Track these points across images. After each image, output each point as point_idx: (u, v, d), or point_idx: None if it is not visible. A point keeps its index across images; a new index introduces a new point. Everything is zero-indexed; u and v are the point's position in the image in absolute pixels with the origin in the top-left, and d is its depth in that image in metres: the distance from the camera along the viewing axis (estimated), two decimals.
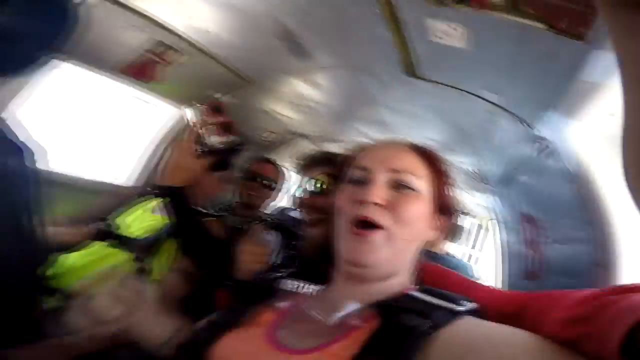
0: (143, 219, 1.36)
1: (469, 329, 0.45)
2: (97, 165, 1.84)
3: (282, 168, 1.86)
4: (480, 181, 1.92)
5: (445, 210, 0.63)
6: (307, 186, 0.97)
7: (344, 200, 0.59)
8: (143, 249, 1.22)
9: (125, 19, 1.21)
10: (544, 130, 0.99)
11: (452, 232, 0.66)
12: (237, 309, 0.64)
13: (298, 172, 1.11)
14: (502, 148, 1.34)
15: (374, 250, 0.54)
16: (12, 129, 0.78)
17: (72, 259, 1.21)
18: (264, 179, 1.69)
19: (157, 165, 1.87)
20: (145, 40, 1.32)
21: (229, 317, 0.61)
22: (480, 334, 0.43)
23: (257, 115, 2.20)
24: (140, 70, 1.49)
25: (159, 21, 1.25)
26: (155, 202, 1.39)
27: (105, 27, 1.21)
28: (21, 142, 0.78)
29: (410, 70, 1.24)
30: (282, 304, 0.62)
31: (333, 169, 0.72)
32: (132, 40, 1.31)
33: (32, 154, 0.78)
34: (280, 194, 1.83)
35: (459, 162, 2.00)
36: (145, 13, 1.21)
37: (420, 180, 0.59)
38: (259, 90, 1.89)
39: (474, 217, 2.53)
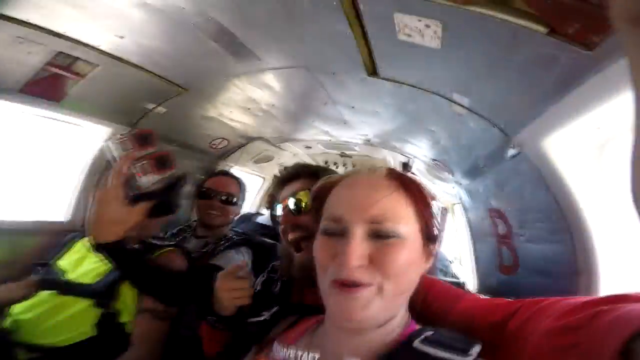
0: (89, 260, 1.16)
1: None
2: (25, 204, 1.54)
3: (240, 178, 1.68)
4: (443, 171, 1.88)
5: (434, 237, 0.56)
6: (289, 204, 0.88)
7: (322, 255, 0.53)
8: (101, 294, 1.07)
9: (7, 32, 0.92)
10: (521, 135, 0.91)
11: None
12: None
13: (275, 187, 0.97)
14: (469, 147, 1.27)
15: (364, 306, 0.49)
16: None
17: (21, 311, 1.07)
18: (223, 195, 1.52)
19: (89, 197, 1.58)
20: (41, 52, 1.02)
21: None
22: None
23: (202, 124, 1.97)
24: (45, 88, 1.18)
25: (52, 30, 0.96)
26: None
27: None
28: None
29: (372, 70, 1.10)
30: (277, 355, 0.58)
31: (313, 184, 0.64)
32: (22, 55, 1.01)
33: None
34: (242, 206, 1.66)
35: (422, 154, 1.95)
36: (29, 22, 0.92)
37: (404, 224, 0.51)
38: (200, 97, 1.67)
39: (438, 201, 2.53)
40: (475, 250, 1.89)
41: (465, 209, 2.02)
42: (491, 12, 0.56)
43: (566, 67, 0.57)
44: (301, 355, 0.56)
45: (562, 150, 0.81)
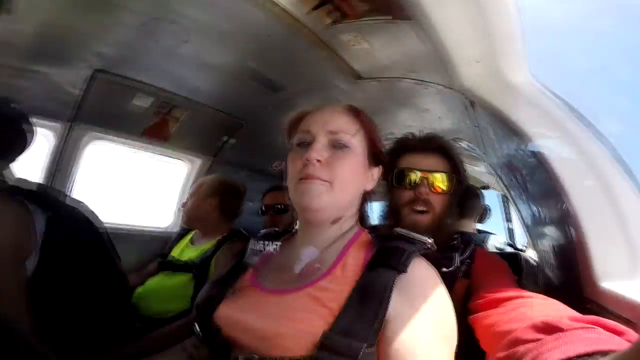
0: (188, 250, 1.68)
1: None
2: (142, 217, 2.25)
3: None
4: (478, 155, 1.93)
5: (378, 161, 0.77)
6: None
7: (294, 161, 0.69)
8: (197, 267, 1.50)
9: (129, 89, 1.62)
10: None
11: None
12: (224, 281, 0.75)
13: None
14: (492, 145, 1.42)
15: (317, 196, 0.65)
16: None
17: (140, 289, 1.55)
18: (276, 207, 1.95)
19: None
20: (152, 103, 1.72)
21: (220, 289, 0.73)
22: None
23: (265, 149, 2.50)
24: (157, 131, 1.89)
25: (159, 86, 1.65)
26: (190, 236, 1.77)
27: (116, 98, 1.62)
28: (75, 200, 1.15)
29: (356, 74, 1.47)
30: (256, 260, 0.76)
31: None
32: (142, 105, 1.71)
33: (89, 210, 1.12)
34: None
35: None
36: (144, 81, 1.61)
37: (354, 140, 0.70)
38: (257, 127, 2.19)
39: (492, 188, 2.43)
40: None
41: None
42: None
43: None
44: (268, 244, 0.75)
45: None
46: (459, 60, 0.95)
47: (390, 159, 1.04)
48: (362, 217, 0.79)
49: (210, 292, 0.73)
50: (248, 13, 1.17)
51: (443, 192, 0.99)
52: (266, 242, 0.76)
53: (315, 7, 1.09)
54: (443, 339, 0.56)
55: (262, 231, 0.86)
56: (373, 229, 1.15)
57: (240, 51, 1.46)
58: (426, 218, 0.97)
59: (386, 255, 0.62)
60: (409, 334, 0.53)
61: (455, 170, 1.02)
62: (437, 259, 0.94)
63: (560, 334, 0.47)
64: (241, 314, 0.63)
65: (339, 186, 0.67)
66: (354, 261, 0.65)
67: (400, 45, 1.17)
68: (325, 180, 0.66)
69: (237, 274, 0.75)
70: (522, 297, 0.67)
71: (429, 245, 0.67)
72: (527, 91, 0.92)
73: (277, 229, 0.86)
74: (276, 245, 0.75)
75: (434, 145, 1.02)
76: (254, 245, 0.77)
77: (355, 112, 0.74)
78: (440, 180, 0.99)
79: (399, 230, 0.70)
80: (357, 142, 0.70)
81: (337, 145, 0.68)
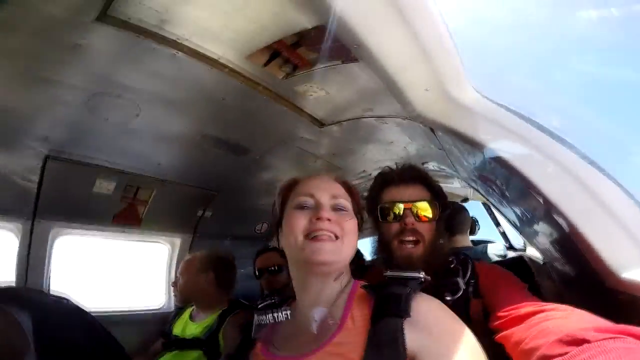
0: (190, 326, 1.63)
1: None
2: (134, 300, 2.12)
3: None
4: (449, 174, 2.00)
5: (361, 217, 0.85)
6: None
7: (297, 221, 0.73)
8: (207, 342, 1.48)
9: (87, 175, 1.56)
10: None
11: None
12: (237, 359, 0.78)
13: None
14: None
15: (330, 250, 0.71)
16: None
17: None
18: (270, 268, 1.93)
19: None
20: (115, 187, 1.65)
21: None
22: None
23: (244, 215, 2.45)
24: (127, 217, 1.80)
25: (118, 168, 1.61)
26: (188, 312, 1.72)
27: (76, 186, 1.55)
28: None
29: (319, 123, 1.52)
30: (264, 332, 0.77)
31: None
32: (104, 192, 1.64)
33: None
34: None
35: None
36: (101, 165, 1.56)
37: (348, 202, 0.80)
38: (232, 194, 2.16)
39: (472, 199, 2.49)
40: None
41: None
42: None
43: None
44: (277, 315, 0.75)
45: None
46: (409, 91, 1.00)
47: (373, 194, 1.09)
48: (356, 255, 0.81)
49: None
50: (197, 78, 1.19)
51: (429, 220, 1.01)
52: (274, 314, 0.76)
53: (266, 63, 1.14)
54: (472, 356, 0.58)
55: (260, 304, 0.85)
56: (370, 264, 1.13)
57: (196, 118, 1.47)
58: (418, 249, 0.98)
59: (386, 305, 0.65)
60: (441, 358, 0.57)
61: (437, 197, 1.05)
62: (444, 286, 0.93)
63: (587, 345, 0.47)
64: None
65: (346, 242, 0.73)
66: (360, 312, 0.68)
67: (354, 86, 1.24)
68: (336, 236, 0.72)
69: (247, 349, 0.77)
70: (542, 310, 0.67)
71: (422, 279, 0.71)
72: (477, 107, 0.99)
73: (274, 299, 0.86)
74: (286, 313, 0.76)
75: (412, 175, 1.07)
76: (259, 320, 0.77)
77: (344, 182, 0.84)
78: (424, 209, 1.01)
79: (389, 274, 0.75)
80: (350, 207, 0.79)
81: (338, 208, 0.77)
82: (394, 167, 1.12)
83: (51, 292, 1.60)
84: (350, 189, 0.84)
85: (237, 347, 0.80)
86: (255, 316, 0.79)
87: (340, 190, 0.81)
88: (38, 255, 1.56)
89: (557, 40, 37.60)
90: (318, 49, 1.05)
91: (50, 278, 1.61)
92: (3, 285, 1.00)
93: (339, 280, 0.75)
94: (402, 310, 0.61)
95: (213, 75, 1.17)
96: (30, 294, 1.02)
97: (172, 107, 1.35)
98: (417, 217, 1.00)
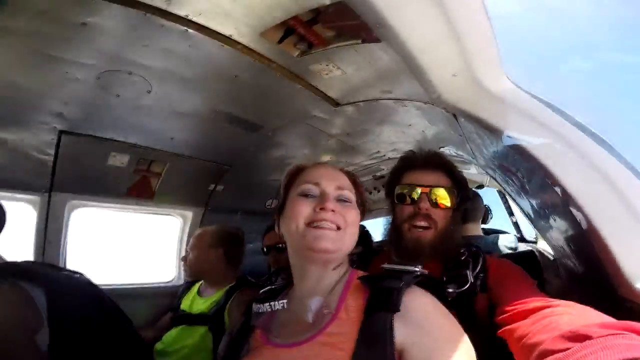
0: (197, 301, 1.68)
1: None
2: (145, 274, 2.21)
3: None
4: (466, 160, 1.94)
5: (363, 209, 0.84)
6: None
7: (300, 208, 0.74)
8: (213, 318, 1.52)
9: (101, 149, 1.57)
10: None
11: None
12: (237, 342, 0.79)
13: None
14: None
15: (331, 239, 0.71)
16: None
17: (160, 346, 1.56)
18: (277, 246, 1.92)
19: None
20: (129, 161, 1.66)
21: (234, 351, 0.76)
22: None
23: (255, 190, 2.46)
24: (140, 189, 1.82)
25: (131, 142, 1.61)
26: (197, 287, 1.77)
27: (90, 160, 1.57)
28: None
29: (333, 102, 1.46)
30: (263, 319, 0.78)
31: None
32: (118, 165, 1.66)
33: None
34: None
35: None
36: (115, 138, 1.56)
37: (352, 194, 0.79)
38: (244, 169, 2.17)
39: (488, 186, 2.43)
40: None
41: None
42: None
43: None
44: (274, 304, 0.76)
45: None
46: (435, 75, 0.94)
47: (394, 176, 1.09)
48: (365, 237, 0.82)
49: (226, 353, 0.79)
50: (209, 55, 1.14)
51: (445, 207, 0.99)
52: (271, 303, 0.77)
53: (280, 41, 1.08)
54: (460, 351, 0.58)
55: (262, 290, 0.88)
56: (379, 246, 1.11)
57: (208, 95, 1.42)
58: (429, 233, 0.98)
59: (379, 299, 0.65)
60: (427, 355, 0.57)
61: (458, 186, 1.03)
62: (450, 278, 0.93)
63: (590, 341, 0.47)
64: None
65: (348, 232, 0.74)
66: (355, 302, 0.69)
67: (373, 66, 1.16)
68: (338, 227, 0.72)
69: (247, 333, 0.78)
70: (549, 306, 0.66)
71: (418, 273, 0.70)
72: (508, 97, 0.92)
73: (275, 284, 0.89)
74: (283, 303, 0.76)
75: (435, 162, 1.05)
76: (257, 308, 0.79)
77: (349, 174, 0.84)
78: (441, 196, 1.00)
79: (386, 266, 0.75)
80: (354, 199, 0.79)
81: (342, 200, 0.76)
82: (417, 151, 1.10)
83: (67, 265, 1.65)
84: (355, 181, 0.83)
85: (238, 331, 0.81)
86: (254, 304, 0.80)
87: (345, 181, 0.80)
88: (55, 228, 1.60)
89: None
90: (336, 27, 0.98)
91: (67, 251, 1.66)
92: (19, 260, 1.00)
93: (338, 270, 0.75)
94: (392, 305, 0.62)
95: (226, 52, 1.12)
96: (45, 270, 1.01)
97: (184, 84, 1.31)
98: (433, 202, 0.99)
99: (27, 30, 0.95)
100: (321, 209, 0.72)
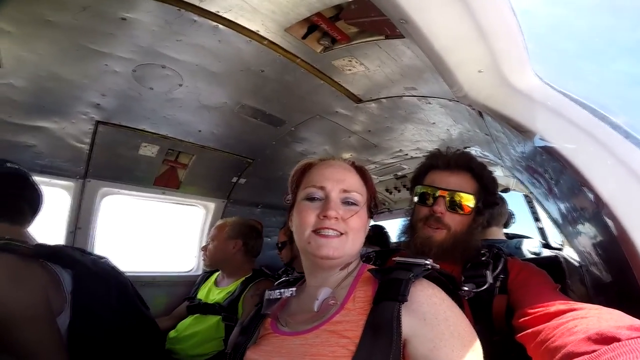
0: (213, 291, 1.74)
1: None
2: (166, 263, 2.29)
3: None
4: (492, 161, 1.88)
5: (373, 211, 0.83)
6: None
7: (306, 213, 0.75)
8: (227, 309, 1.57)
9: (134, 140, 1.65)
10: None
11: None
12: (248, 329, 0.81)
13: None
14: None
15: (335, 248, 0.72)
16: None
17: (174, 333, 1.64)
18: (292, 241, 1.96)
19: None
20: (158, 151, 1.74)
21: (245, 337, 0.79)
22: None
23: (276, 184, 2.50)
24: (167, 179, 1.90)
25: (161, 133, 1.68)
26: (214, 277, 1.83)
27: (123, 150, 1.65)
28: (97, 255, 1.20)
29: (356, 98, 1.46)
30: (274, 308, 0.80)
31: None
32: (149, 154, 1.73)
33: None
34: None
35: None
36: (147, 130, 1.64)
37: (361, 196, 0.78)
38: (265, 163, 2.19)
39: (514, 189, 2.33)
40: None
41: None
42: None
43: None
44: (283, 291, 0.80)
45: None
46: (460, 72, 0.91)
47: (418, 175, 1.08)
48: (382, 237, 0.81)
49: (237, 340, 0.81)
50: (237, 50, 1.18)
51: (462, 213, 0.97)
52: (282, 291, 0.81)
53: (304, 36, 1.10)
54: (463, 345, 0.59)
55: (275, 283, 0.91)
56: (396, 247, 1.10)
57: (235, 89, 1.47)
58: (439, 234, 0.97)
59: (387, 289, 0.66)
60: (430, 346, 0.58)
61: (484, 190, 1.01)
62: (469, 277, 0.91)
63: (618, 344, 0.45)
64: (268, 357, 0.70)
65: (352, 238, 0.74)
66: (363, 294, 0.70)
67: (397, 63, 1.16)
68: (341, 233, 0.73)
69: (258, 322, 0.81)
70: (574, 309, 0.65)
71: (428, 266, 0.70)
72: (536, 94, 0.89)
73: (289, 277, 0.91)
74: (292, 290, 0.80)
75: (460, 163, 1.02)
76: (268, 295, 0.82)
77: (361, 171, 0.82)
78: (459, 201, 0.97)
79: (397, 259, 0.75)
80: (363, 199, 0.78)
81: (348, 202, 0.76)
82: (444, 150, 1.07)
83: (95, 249, 1.74)
84: (364, 177, 0.82)
85: (250, 319, 0.83)
86: (266, 291, 0.83)
87: (352, 179, 0.79)
88: (86, 213, 1.70)
89: None
90: (359, 23, 0.98)
91: (96, 235, 1.76)
92: (51, 243, 1.05)
93: (346, 269, 0.77)
94: (400, 295, 0.63)
95: (253, 47, 1.16)
96: (74, 254, 1.05)
97: (212, 78, 1.36)
98: (450, 207, 0.97)
99: (71, 25, 1.01)
100: (324, 216, 0.72)
